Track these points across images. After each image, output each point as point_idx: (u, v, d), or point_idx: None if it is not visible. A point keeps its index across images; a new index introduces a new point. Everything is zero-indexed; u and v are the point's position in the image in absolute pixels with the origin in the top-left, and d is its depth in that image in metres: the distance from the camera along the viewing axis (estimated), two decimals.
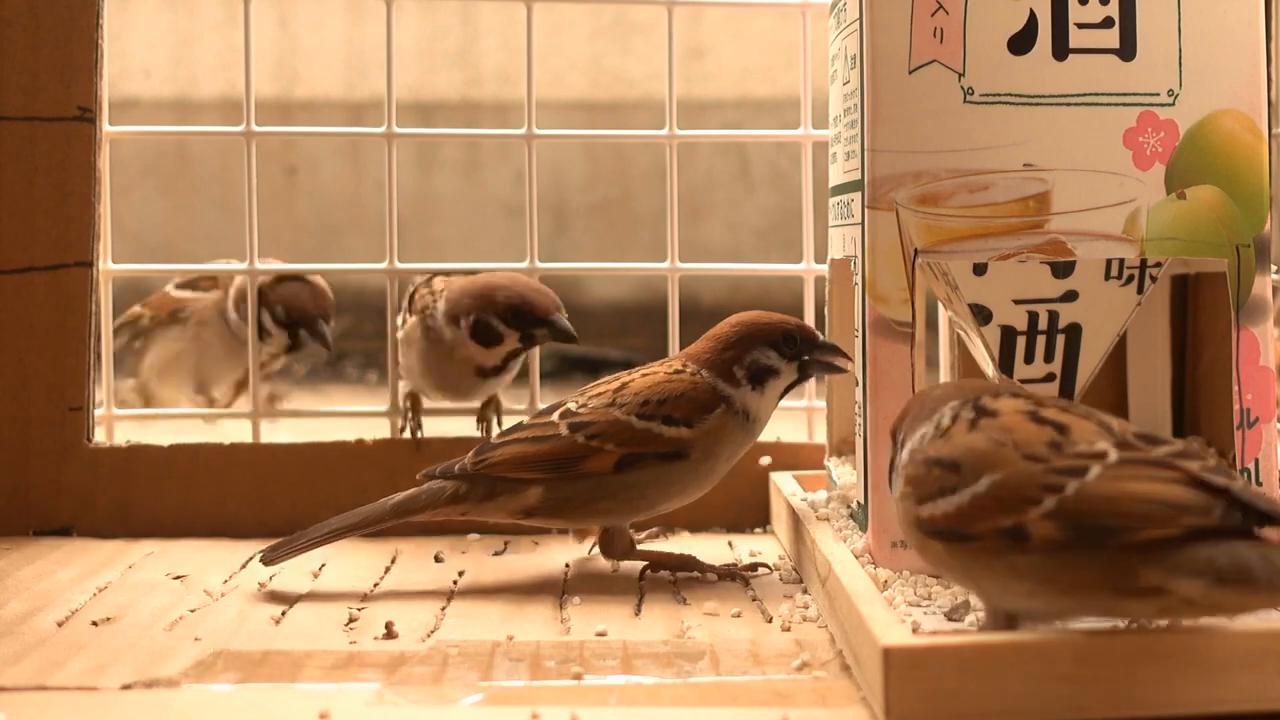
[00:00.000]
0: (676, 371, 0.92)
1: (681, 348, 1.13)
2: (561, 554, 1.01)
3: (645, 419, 0.90)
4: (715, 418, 0.91)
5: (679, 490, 0.92)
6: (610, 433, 0.90)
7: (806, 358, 0.92)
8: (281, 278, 1.25)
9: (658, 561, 0.94)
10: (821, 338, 0.93)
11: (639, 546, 0.95)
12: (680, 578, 0.93)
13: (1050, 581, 0.65)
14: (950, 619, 0.77)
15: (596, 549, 0.98)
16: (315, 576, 0.94)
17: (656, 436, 0.90)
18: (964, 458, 0.68)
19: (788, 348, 0.92)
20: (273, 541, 0.92)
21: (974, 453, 0.68)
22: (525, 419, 0.96)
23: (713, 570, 0.93)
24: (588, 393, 0.93)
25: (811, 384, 1.16)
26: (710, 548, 1.02)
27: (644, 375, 0.93)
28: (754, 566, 0.94)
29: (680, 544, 1.03)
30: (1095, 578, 0.64)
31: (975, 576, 0.68)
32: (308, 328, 1.23)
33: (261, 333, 1.22)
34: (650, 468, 0.90)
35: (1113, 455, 0.65)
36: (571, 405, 0.93)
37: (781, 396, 0.94)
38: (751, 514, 1.09)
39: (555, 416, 0.92)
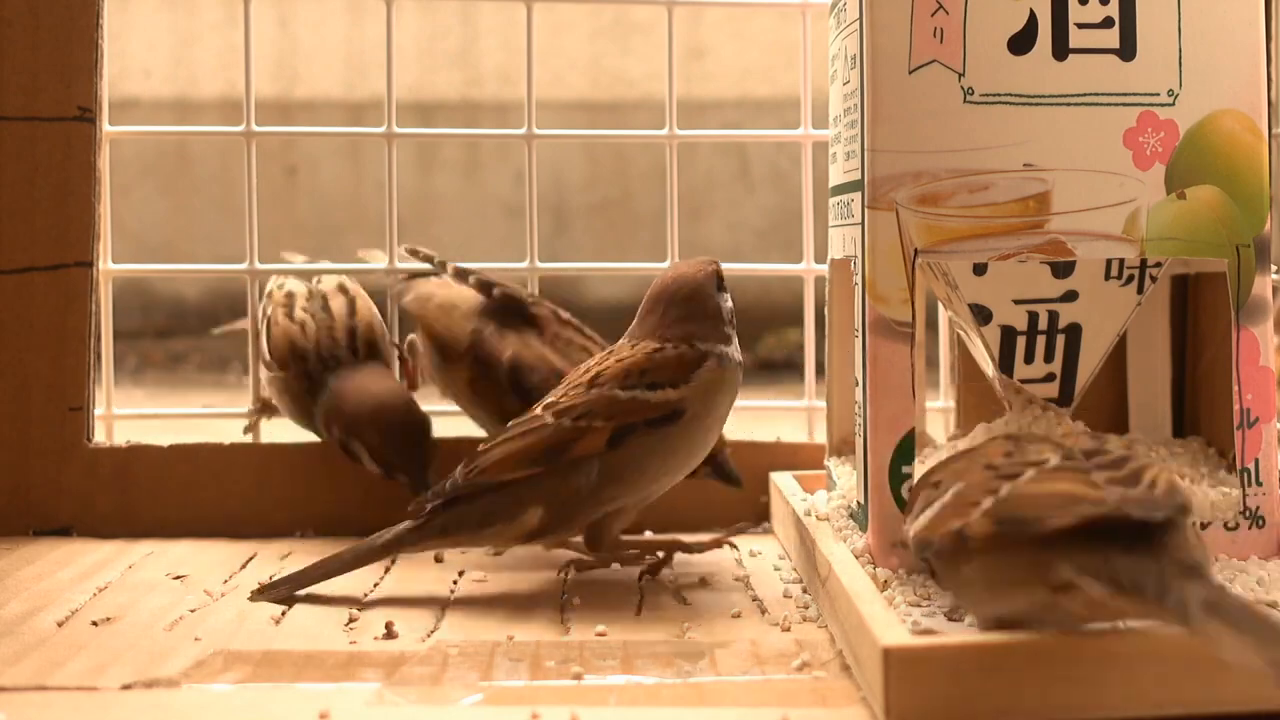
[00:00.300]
0: (657, 349, 0.91)
1: None
2: (561, 554, 1.01)
3: (629, 389, 0.89)
4: (706, 371, 0.90)
5: (681, 457, 0.91)
6: (598, 409, 0.89)
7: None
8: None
9: (646, 547, 0.94)
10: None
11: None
12: (676, 569, 0.93)
13: (992, 583, 0.67)
14: (950, 619, 0.77)
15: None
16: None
17: (644, 403, 0.89)
18: (945, 475, 0.73)
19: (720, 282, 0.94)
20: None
21: (952, 470, 0.73)
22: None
23: (701, 546, 0.94)
24: (566, 384, 0.92)
25: (811, 383, 1.16)
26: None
27: (618, 360, 0.91)
28: (735, 531, 0.95)
29: None
30: (1024, 574, 0.66)
31: (951, 585, 0.72)
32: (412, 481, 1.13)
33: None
34: (644, 436, 0.89)
35: (1051, 463, 0.69)
36: (551, 397, 0.91)
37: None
38: (751, 514, 1.09)
39: (539, 409, 0.91)
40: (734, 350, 0.92)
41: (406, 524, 0.91)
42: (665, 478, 0.91)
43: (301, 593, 0.89)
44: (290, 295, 1.09)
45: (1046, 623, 0.66)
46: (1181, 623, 0.60)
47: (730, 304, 0.93)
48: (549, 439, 0.89)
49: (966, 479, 0.70)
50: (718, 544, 0.94)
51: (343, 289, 1.10)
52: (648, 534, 1.06)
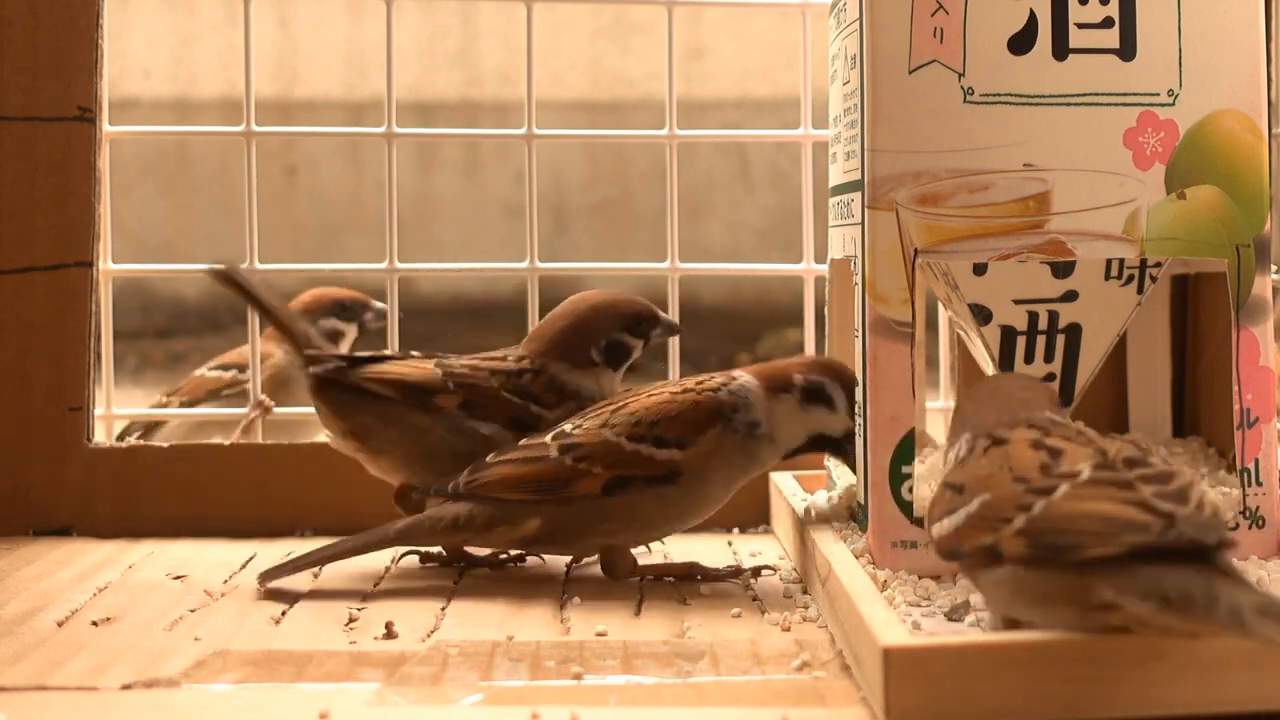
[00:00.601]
0: (683, 390, 0.91)
1: (681, 348, 1.14)
2: (561, 556, 1.01)
3: (636, 440, 0.89)
4: (709, 438, 0.89)
5: (676, 513, 0.91)
6: (598, 454, 0.89)
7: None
8: None
9: (662, 574, 0.93)
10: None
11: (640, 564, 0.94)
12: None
13: (1024, 595, 0.66)
14: (950, 619, 0.77)
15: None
16: (315, 576, 0.94)
17: (647, 459, 0.89)
18: (968, 481, 0.70)
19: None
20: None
21: (976, 477, 0.70)
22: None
23: (718, 573, 0.92)
24: (589, 412, 0.92)
25: None
26: (710, 547, 1.02)
27: (649, 395, 0.92)
28: (758, 571, 0.93)
29: (680, 544, 1.03)
30: (1059, 592, 0.65)
31: (979, 588, 0.71)
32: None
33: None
34: (640, 491, 0.89)
35: (1084, 475, 0.66)
36: (568, 425, 0.91)
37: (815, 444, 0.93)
38: (751, 514, 1.09)
39: (548, 437, 0.91)
40: (764, 422, 0.91)
41: (419, 515, 0.91)
42: (664, 528, 0.92)
43: (305, 590, 0.89)
44: None
45: (1076, 630, 0.66)
46: (1237, 631, 0.59)
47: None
48: (547, 473, 0.89)
49: (994, 490, 0.68)
50: (736, 574, 0.92)
51: None
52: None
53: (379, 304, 1.30)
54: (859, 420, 0.88)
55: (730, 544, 1.04)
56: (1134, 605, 0.62)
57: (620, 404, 0.92)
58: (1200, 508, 0.64)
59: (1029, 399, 0.75)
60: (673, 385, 0.93)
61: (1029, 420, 0.72)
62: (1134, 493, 0.64)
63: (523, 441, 0.92)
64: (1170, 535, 0.62)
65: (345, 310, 1.36)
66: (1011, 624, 0.68)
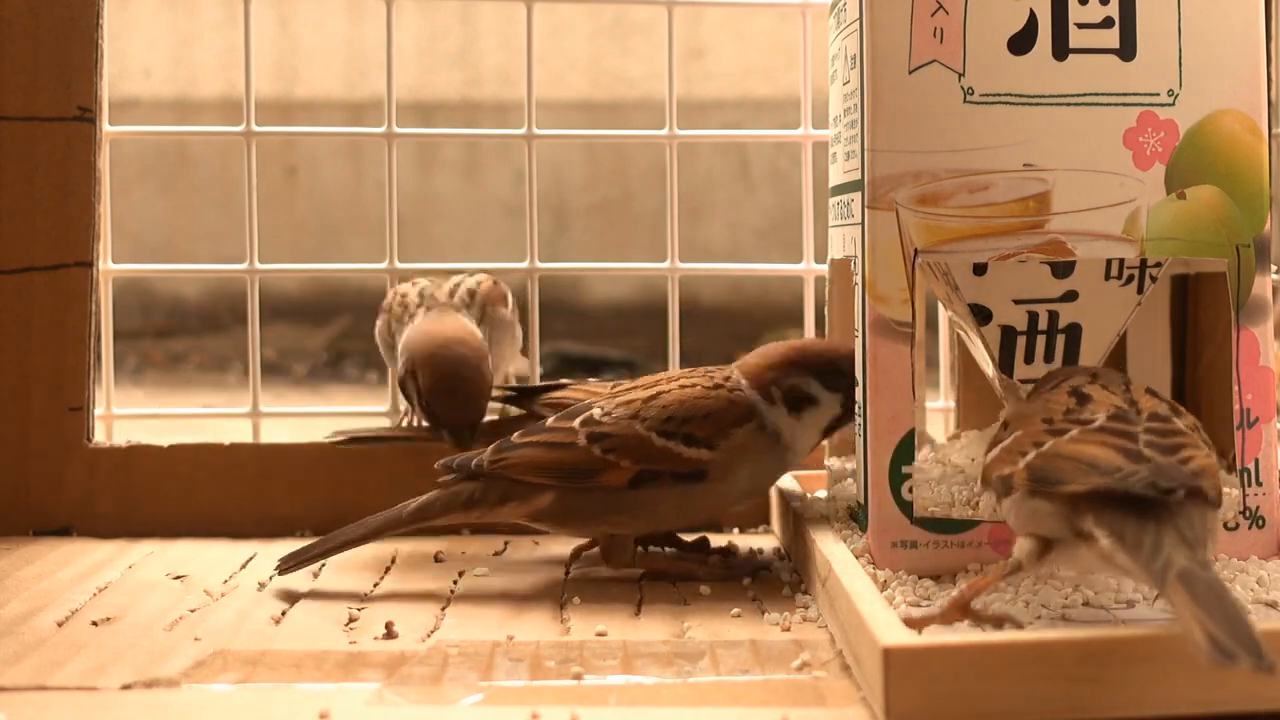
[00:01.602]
0: (715, 386, 0.91)
1: (681, 348, 1.14)
2: (561, 554, 1.01)
3: (666, 436, 0.89)
4: (740, 435, 0.90)
5: (695, 511, 0.91)
6: (628, 448, 0.89)
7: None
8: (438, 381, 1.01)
9: (660, 571, 0.93)
10: None
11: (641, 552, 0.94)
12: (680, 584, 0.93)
13: (1029, 520, 0.72)
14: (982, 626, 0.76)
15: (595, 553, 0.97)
16: (315, 576, 0.94)
17: (675, 455, 0.89)
18: (1013, 419, 0.78)
19: (834, 379, 0.92)
20: (281, 547, 0.92)
21: (1020, 415, 0.77)
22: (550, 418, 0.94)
23: (714, 577, 0.92)
24: (618, 396, 0.92)
25: None
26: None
27: (681, 386, 0.91)
28: (755, 571, 0.93)
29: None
30: (1053, 520, 0.71)
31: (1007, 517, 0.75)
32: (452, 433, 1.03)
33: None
34: (666, 487, 0.89)
35: (1097, 422, 0.73)
36: (597, 411, 0.91)
37: (828, 432, 0.94)
38: (751, 514, 1.09)
39: (577, 422, 0.90)
40: (788, 428, 0.91)
41: (433, 494, 0.92)
42: (678, 523, 0.93)
43: (305, 589, 0.89)
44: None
45: (1070, 562, 0.73)
46: (1158, 584, 0.64)
47: (816, 394, 0.92)
48: (573, 461, 0.89)
49: (1025, 427, 0.75)
50: (733, 577, 0.92)
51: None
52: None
53: None
54: (859, 420, 0.88)
55: (730, 543, 1.04)
56: (1102, 538, 0.67)
57: (653, 392, 0.91)
58: (1185, 462, 0.69)
59: (1099, 373, 0.82)
60: (700, 378, 0.93)
61: (1093, 373, 0.80)
62: (1126, 441, 0.71)
63: (550, 421, 0.92)
64: (1131, 480, 0.67)
65: None
66: (1029, 540, 0.73)
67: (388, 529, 0.91)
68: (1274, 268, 0.90)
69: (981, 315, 0.94)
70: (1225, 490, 0.87)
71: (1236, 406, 0.86)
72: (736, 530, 1.09)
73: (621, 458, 0.89)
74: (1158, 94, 0.85)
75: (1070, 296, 0.94)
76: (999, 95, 0.84)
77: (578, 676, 0.72)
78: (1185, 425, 0.74)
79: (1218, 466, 0.72)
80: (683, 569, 0.93)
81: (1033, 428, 0.74)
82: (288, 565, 0.90)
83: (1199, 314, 0.99)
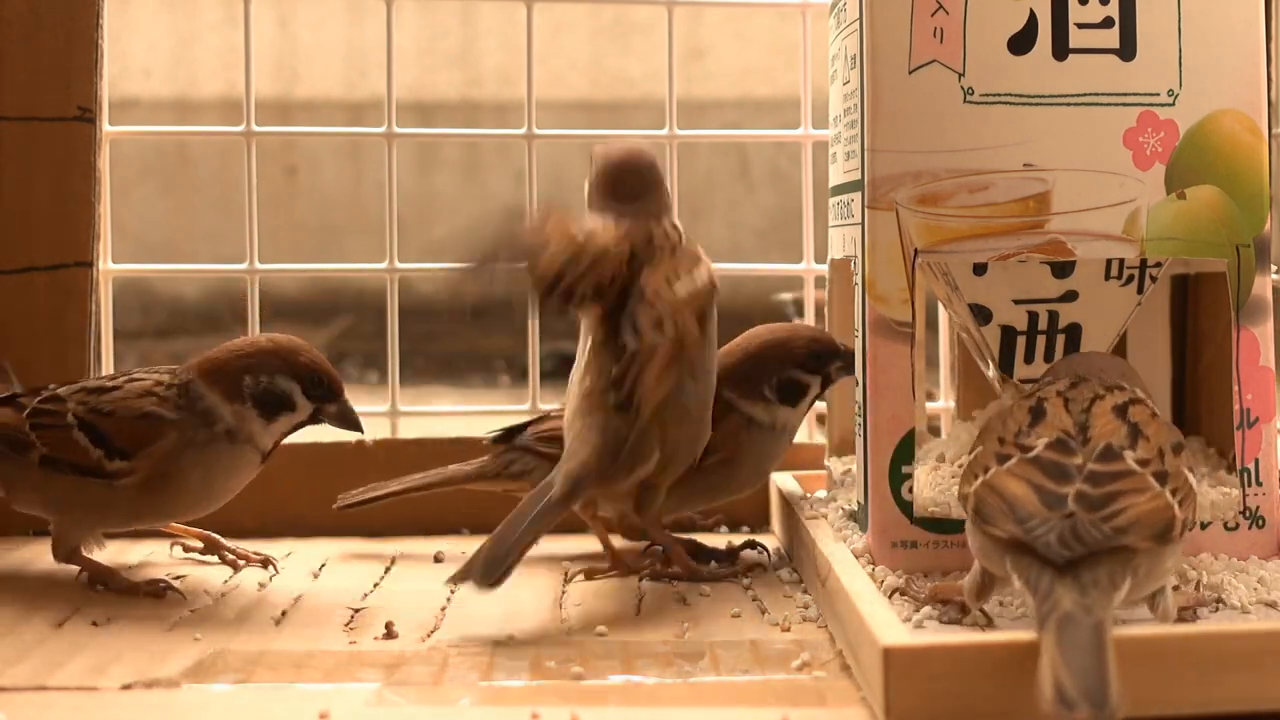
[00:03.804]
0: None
1: None
2: (561, 554, 1.01)
3: None
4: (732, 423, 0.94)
5: (707, 489, 0.96)
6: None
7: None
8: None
9: (661, 571, 0.92)
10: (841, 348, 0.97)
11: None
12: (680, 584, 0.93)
13: (978, 551, 0.72)
14: (942, 622, 0.76)
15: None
16: (315, 577, 0.94)
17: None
18: (985, 428, 0.77)
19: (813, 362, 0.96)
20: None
21: (990, 424, 0.77)
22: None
23: (714, 579, 0.92)
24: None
25: None
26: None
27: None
28: (748, 567, 0.94)
29: None
30: (990, 552, 0.71)
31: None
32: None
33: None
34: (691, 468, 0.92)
35: (1035, 450, 0.72)
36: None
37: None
38: (751, 514, 1.09)
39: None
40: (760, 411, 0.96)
41: (483, 460, 1.00)
42: (693, 503, 0.98)
43: (305, 589, 0.89)
44: None
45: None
46: (1038, 629, 0.63)
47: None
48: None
49: (985, 443, 0.75)
50: (733, 575, 0.93)
51: None
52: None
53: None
54: (859, 419, 0.88)
55: (730, 543, 1.04)
56: (1016, 580, 0.68)
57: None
58: (1114, 515, 0.67)
59: (1107, 366, 0.81)
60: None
61: (1079, 377, 0.78)
62: (1054, 482, 0.69)
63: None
64: (1037, 538, 0.66)
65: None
66: (975, 572, 0.74)
67: (445, 484, 1.00)
68: (1274, 268, 0.90)
69: (981, 315, 0.94)
70: (1225, 491, 0.87)
71: (1236, 406, 0.86)
72: (738, 529, 1.09)
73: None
74: (1158, 94, 0.85)
75: (1070, 296, 0.94)
76: (999, 95, 0.84)
77: (578, 676, 0.72)
78: (1140, 457, 0.71)
79: (1169, 506, 0.69)
80: (687, 571, 0.93)
81: (990, 446, 0.74)
82: (346, 503, 0.98)
83: (1199, 314, 0.99)
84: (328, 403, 0.91)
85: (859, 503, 0.90)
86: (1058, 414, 0.74)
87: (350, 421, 0.92)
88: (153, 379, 0.90)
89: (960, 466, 0.89)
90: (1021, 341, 0.95)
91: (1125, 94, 0.85)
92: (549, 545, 1.04)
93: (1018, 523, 0.68)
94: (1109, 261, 0.92)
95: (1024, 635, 0.66)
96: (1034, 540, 0.66)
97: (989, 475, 0.72)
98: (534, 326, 1.14)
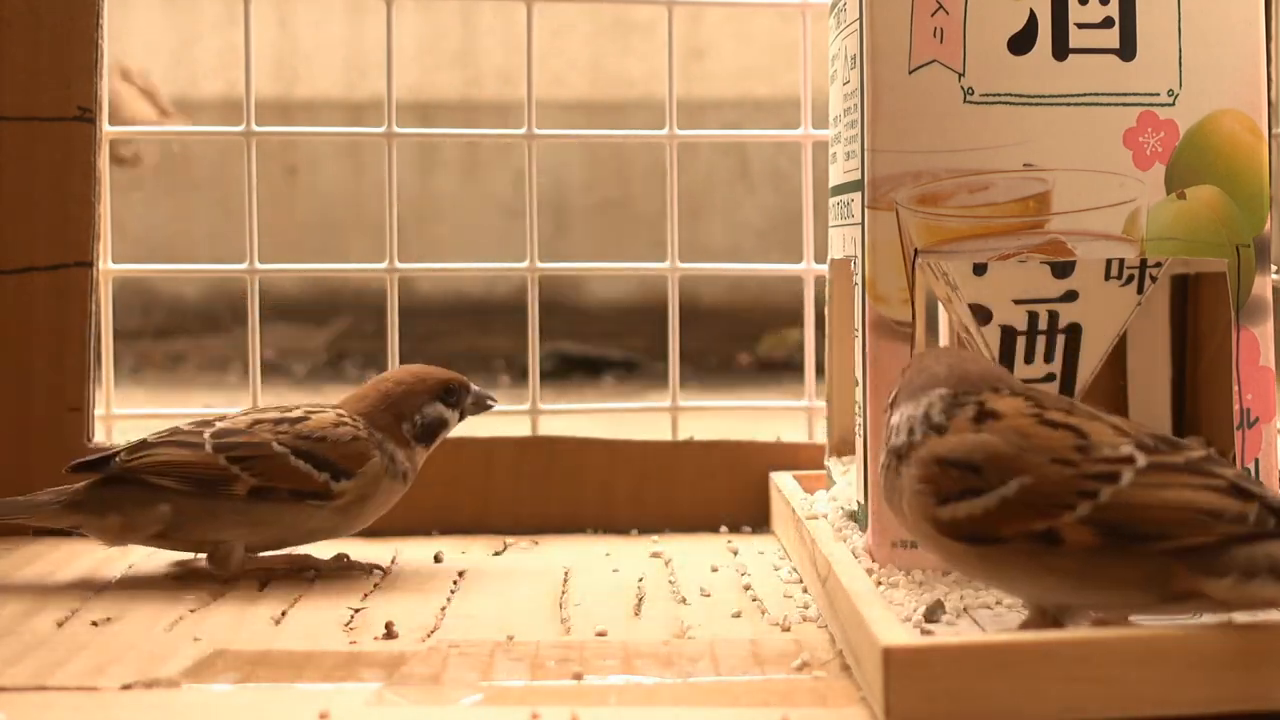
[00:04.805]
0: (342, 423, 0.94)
1: (681, 348, 1.14)
2: (561, 554, 1.01)
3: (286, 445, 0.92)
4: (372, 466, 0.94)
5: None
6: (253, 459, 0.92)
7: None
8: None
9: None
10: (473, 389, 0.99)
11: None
12: (674, 568, 0.93)
13: (1085, 580, 0.67)
14: (928, 621, 0.76)
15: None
16: (311, 581, 0.94)
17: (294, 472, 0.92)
18: (985, 461, 0.69)
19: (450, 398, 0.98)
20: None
21: (996, 456, 0.69)
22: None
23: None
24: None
25: (811, 384, 1.16)
26: (710, 547, 1.02)
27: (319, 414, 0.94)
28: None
29: (679, 543, 1.03)
30: (1130, 578, 0.66)
31: (1005, 576, 0.70)
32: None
33: None
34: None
35: (1141, 460, 0.67)
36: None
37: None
38: (751, 514, 1.09)
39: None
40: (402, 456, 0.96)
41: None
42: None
43: (305, 589, 0.89)
44: None
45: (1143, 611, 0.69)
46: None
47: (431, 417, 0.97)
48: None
49: (1032, 473, 0.68)
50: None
51: None
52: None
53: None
54: (859, 419, 0.88)
55: (730, 543, 1.04)
56: (1218, 587, 0.65)
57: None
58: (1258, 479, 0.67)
59: (981, 364, 0.76)
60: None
61: (1010, 388, 0.73)
62: (1213, 479, 0.66)
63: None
64: (1265, 520, 0.64)
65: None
66: (1049, 615, 0.69)
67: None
68: (1274, 268, 0.90)
69: (981, 315, 0.94)
70: None
71: (1236, 406, 0.86)
72: (739, 529, 1.09)
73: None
74: (1158, 94, 0.85)
75: (1070, 296, 0.94)
76: (999, 95, 0.84)
77: (578, 676, 0.72)
78: (1200, 447, 0.70)
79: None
80: (296, 560, 0.95)
81: (1048, 473, 0.68)
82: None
83: (1199, 314, 0.99)
84: (465, 399, 0.98)
85: (859, 503, 0.90)
86: (1093, 425, 0.70)
87: (484, 403, 0.99)
88: (334, 412, 0.95)
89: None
90: (1021, 341, 0.95)
91: (1125, 94, 0.85)
92: (549, 545, 1.04)
93: (1235, 521, 0.65)
94: (1109, 261, 0.92)
95: (1024, 635, 0.66)
96: (1270, 527, 0.65)
97: (1110, 497, 0.66)
98: (534, 327, 1.14)
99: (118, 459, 0.92)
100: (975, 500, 0.68)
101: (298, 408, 0.95)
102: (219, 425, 0.93)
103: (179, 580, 0.93)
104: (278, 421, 0.93)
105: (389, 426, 0.95)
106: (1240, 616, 0.72)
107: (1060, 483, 0.67)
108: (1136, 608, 0.68)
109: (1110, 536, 0.66)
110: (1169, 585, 0.66)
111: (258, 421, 0.93)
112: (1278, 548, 0.64)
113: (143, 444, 0.93)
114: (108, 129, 1.09)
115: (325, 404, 0.96)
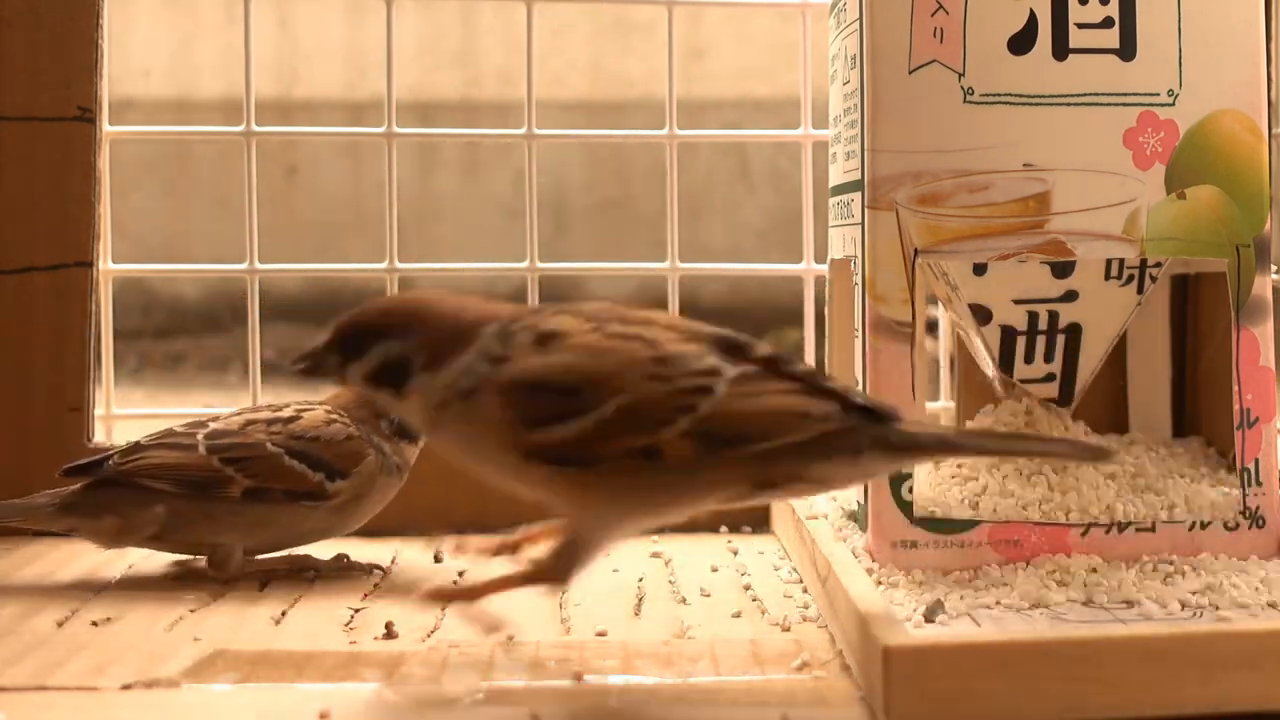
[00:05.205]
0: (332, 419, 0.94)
1: None
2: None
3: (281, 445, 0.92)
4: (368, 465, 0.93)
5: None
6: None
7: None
8: None
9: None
10: None
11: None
12: (675, 569, 0.93)
13: (682, 490, 0.70)
14: (928, 620, 0.76)
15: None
16: (311, 581, 0.94)
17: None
18: (581, 382, 0.68)
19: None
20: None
21: (590, 377, 0.69)
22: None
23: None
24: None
25: None
26: (710, 547, 1.02)
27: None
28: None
29: (679, 544, 1.03)
30: (727, 479, 0.69)
31: (589, 500, 0.70)
32: None
33: None
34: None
35: (730, 370, 0.69)
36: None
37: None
38: (751, 514, 1.08)
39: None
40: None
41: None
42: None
43: (305, 589, 0.89)
44: None
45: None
46: (853, 454, 0.68)
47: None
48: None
49: (630, 391, 0.68)
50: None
51: None
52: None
53: None
54: None
55: (730, 543, 1.04)
56: (815, 470, 0.69)
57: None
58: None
59: (470, 300, 0.74)
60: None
61: (552, 309, 0.72)
62: (796, 382, 0.70)
63: None
64: (852, 417, 0.69)
65: None
66: (586, 543, 0.71)
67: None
68: (1274, 268, 0.90)
69: (981, 315, 0.94)
70: (1225, 491, 0.87)
71: (1236, 406, 0.86)
72: (740, 529, 1.09)
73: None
74: (1158, 94, 0.85)
75: (1070, 296, 0.94)
76: (999, 95, 0.84)
77: (578, 676, 0.72)
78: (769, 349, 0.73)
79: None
80: (296, 561, 0.95)
81: (643, 390, 0.69)
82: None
83: (1199, 314, 0.99)
84: None
85: (859, 503, 0.90)
86: (662, 333, 0.71)
87: None
88: (323, 409, 0.94)
89: (960, 466, 0.89)
90: (1021, 341, 0.95)
91: (1125, 94, 0.85)
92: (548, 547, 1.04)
93: (824, 420, 0.69)
94: (1109, 261, 0.92)
95: (1024, 635, 0.66)
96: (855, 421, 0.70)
97: (710, 409, 0.68)
98: None
99: (111, 461, 0.92)
100: (571, 423, 0.68)
101: (288, 406, 0.95)
102: (212, 426, 0.93)
103: (179, 580, 0.93)
104: (270, 421, 0.93)
105: (368, 421, 0.95)
106: (1231, 613, 0.73)
107: (657, 400, 0.68)
108: (733, 500, 0.71)
109: (709, 446, 0.67)
110: (766, 476, 0.69)
111: (251, 422, 0.93)
112: (872, 429, 0.69)
113: (137, 446, 0.93)
114: (108, 129, 1.09)
115: (314, 401, 0.96)
